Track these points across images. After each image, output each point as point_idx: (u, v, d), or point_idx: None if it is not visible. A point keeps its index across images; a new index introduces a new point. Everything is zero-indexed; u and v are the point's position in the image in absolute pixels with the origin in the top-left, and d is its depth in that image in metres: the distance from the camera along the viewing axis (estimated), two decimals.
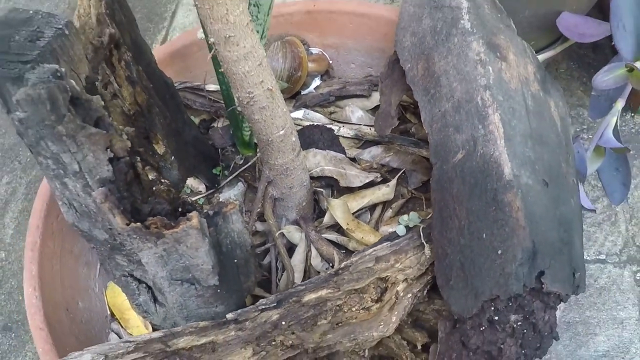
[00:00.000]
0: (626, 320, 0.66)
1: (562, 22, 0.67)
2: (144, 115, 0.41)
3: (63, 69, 0.25)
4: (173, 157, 0.45)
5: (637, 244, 0.71)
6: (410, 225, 0.43)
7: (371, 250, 0.39)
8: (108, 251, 0.36)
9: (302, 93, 0.56)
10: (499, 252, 0.34)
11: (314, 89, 0.56)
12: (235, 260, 0.35)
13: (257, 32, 0.41)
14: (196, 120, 0.57)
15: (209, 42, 0.34)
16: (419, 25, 0.46)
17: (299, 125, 0.54)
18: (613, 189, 0.61)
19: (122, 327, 0.49)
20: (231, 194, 0.52)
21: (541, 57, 0.75)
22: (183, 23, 1.03)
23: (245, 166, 0.53)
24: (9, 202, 0.91)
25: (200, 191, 0.53)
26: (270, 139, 0.39)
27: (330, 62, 0.56)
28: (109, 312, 0.51)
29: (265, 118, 0.37)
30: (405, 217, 0.43)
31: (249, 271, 0.36)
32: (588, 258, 0.72)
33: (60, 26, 0.27)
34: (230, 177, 0.53)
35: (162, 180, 0.32)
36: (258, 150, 0.47)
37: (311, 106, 0.55)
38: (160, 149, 0.43)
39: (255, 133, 0.39)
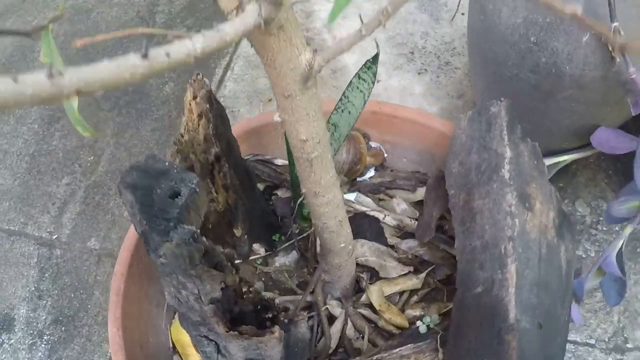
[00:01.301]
0: None
1: (596, 137, 0.79)
2: (231, 211, 0.55)
3: (198, 231, 0.39)
4: (246, 236, 0.59)
5: (625, 335, 0.85)
6: (431, 326, 0.58)
7: (397, 350, 0.54)
8: (194, 324, 0.50)
9: (357, 180, 0.70)
10: None
11: (369, 177, 0.69)
12: (296, 349, 0.49)
13: (333, 147, 0.55)
14: (261, 186, 0.71)
15: (291, 158, 0.48)
16: (467, 157, 0.59)
17: (351, 207, 0.68)
18: (609, 295, 0.74)
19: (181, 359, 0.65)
20: (285, 260, 0.67)
21: (572, 156, 0.87)
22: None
23: (301, 237, 0.67)
24: (67, 202, 1.06)
25: (260, 253, 0.67)
26: (332, 249, 0.53)
27: (386, 155, 0.70)
28: (171, 346, 0.66)
29: (332, 237, 0.51)
30: (428, 318, 0.58)
31: (304, 355, 0.51)
32: (579, 340, 0.86)
33: (194, 186, 0.40)
34: (286, 244, 0.67)
35: (250, 289, 0.46)
36: (313, 227, 0.60)
37: (364, 192, 0.69)
38: (238, 232, 0.57)
39: (321, 243, 0.53)
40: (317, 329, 0.63)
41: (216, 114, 0.49)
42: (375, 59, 0.51)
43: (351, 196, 0.69)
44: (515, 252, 0.51)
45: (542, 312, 0.50)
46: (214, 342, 0.55)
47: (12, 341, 0.96)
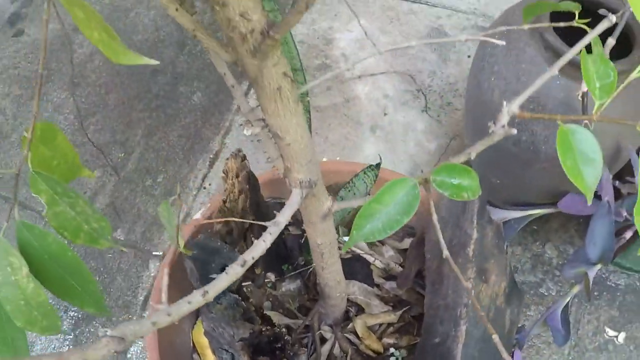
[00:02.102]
0: None
1: (564, 202, 0.98)
2: (257, 261, 0.74)
3: (240, 298, 0.57)
4: (263, 271, 0.79)
5: None
6: (400, 357, 0.77)
7: None
8: (221, 344, 0.70)
9: None
10: None
11: None
12: None
13: (339, 215, 0.73)
14: None
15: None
16: (444, 230, 0.77)
17: (349, 249, 0.87)
18: (557, 338, 0.94)
19: (200, 358, 0.85)
20: (290, 286, 0.86)
21: (545, 210, 1.06)
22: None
23: (305, 268, 0.87)
24: (97, 193, 1.25)
25: (270, 279, 0.87)
26: (330, 296, 0.73)
27: None
28: (192, 346, 0.86)
29: (331, 290, 0.70)
30: (398, 352, 0.78)
31: None
32: None
33: (242, 264, 0.59)
34: (293, 273, 0.86)
35: (268, 328, 0.66)
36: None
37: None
38: (258, 271, 0.76)
39: (321, 291, 0.73)
40: (311, 347, 0.83)
41: (252, 188, 0.68)
42: (378, 166, 0.69)
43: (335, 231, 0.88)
44: (467, 316, 0.70)
45: None
46: (231, 354, 0.75)
47: None
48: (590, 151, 0.34)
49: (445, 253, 0.39)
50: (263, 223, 0.39)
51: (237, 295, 0.55)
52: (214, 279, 0.56)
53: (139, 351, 1.07)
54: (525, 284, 1.15)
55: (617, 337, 1.14)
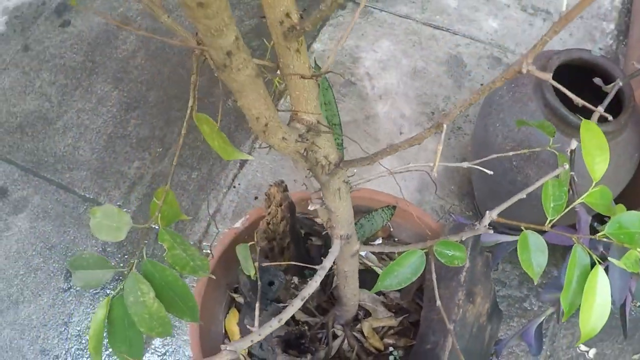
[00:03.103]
0: None
1: (548, 236, 1.19)
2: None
3: (282, 306, 0.79)
4: (292, 278, 1.00)
5: None
6: (397, 358, 1.00)
7: None
8: None
9: (370, 243, 1.10)
10: None
11: (377, 244, 1.10)
12: None
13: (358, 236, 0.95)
14: (302, 231, 1.11)
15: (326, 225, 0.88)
16: None
17: (362, 260, 1.08)
18: (531, 349, 1.17)
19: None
20: (310, 290, 1.08)
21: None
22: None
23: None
24: (136, 184, 1.46)
25: (295, 282, 1.08)
26: (346, 304, 0.94)
27: (392, 230, 1.10)
28: (224, 332, 1.08)
29: (348, 300, 0.92)
30: (396, 352, 1.00)
31: None
32: None
33: (282, 280, 0.80)
34: (294, 303, 1.08)
35: (296, 327, 0.88)
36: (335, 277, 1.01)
37: (372, 252, 1.10)
38: (288, 277, 0.98)
39: (338, 298, 0.94)
40: (325, 340, 1.05)
41: (291, 214, 0.89)
42: (394, 208, 0.91)
43: (362, 253, 1.10)
44: (455, 330, 0.92)
45: None
46: (259, 342, 0.97)
47: (78, 288, 1.39)
48: (539, 249, 0.55)
49: (438, 303, 0.61)
50: (311, 266, 0.60)
51: (279, 304, 0.76)
52: (264, 290, 0.78)
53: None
54: (511, 297, 1.37)
55: (588, 352, 1.37)
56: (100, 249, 1.40)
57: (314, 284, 0.59)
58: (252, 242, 0.79)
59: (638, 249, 0.53)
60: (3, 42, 1.68)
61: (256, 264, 0.68)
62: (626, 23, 1.78)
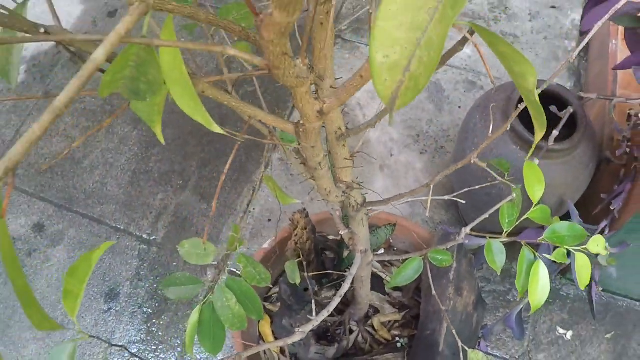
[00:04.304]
0: None
1: (523, 235, 1.53)
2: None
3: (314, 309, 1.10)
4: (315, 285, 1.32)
5: (530, 355, 1.62)
6: (403, 344, 1.32)
7: (385, 355, 1.28)
8: (289, 331, 1.23)
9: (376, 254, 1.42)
10: None
11: (381, 253, 1.42)
12: (339, 351, 1.23)
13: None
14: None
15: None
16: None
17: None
18: (514, 334, 1.50)
19: (264, 342, 1.38)
20: (328, 294, 1.40)
21: (508, 239, 1.60)
22: None
23: (337, 282, 1.40)
24: (162, 213, 1.77)
25: (315, 289, 1.40)
26: (360, 304, 1.26)
27: (392, 241, 1.42)
28: (258, 335, 1.39)
29: (361, 301, 1.24)
30: (401, 340, 1.32)
31: (340, 353, 1.25)
32: (499, 355, 1.62)
33: (315, 287, 1.12)
34: (329, 285, 1.40)
35: (324, 323, 1.19)
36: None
37: (376, 260, 1.42)
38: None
39: (353, 301, 1.27)
40: (342, 335, 1.37)
41: (314, 235, 1.21)
42: (394, 225, 1.23)
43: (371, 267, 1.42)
44: (448, 318, 1.25)
45: (455, 346, 1.25)
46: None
47: (117, 308, 1.69)
48: (500, 251, 0.87)
49: (434, 292, 0.93)
50: (339, 272, 0.92)
51: (312, 306, 1.08)
52: (300, 295, 1.10)
53: None
54: (496, 292, 1.70)
55: (566, 334, 1.71)
56: (134, 272, 1.71)
57: (346, 286, 0.90)
58: (289, 259, 1.11)
59: (565, 247, 0.86)
60: (25, 90, 1.98)
61: (304, 274, 1.00)
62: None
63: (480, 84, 1.89)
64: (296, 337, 0.84)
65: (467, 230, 0.88)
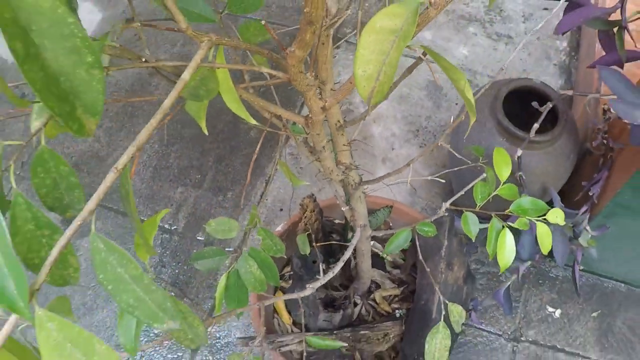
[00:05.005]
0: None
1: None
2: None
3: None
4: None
5: (521, 332, 1.86)
6: (402, 314, 1.56)
7: (385, 323, 1.53)
8: (301, 301, 1.48)
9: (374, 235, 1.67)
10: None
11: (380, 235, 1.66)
12: (344, 319, 1.48)
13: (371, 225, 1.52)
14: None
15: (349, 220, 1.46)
16: (428, 240, 1.55)
17: (372, 249, 1.65)
18: (504, 309, 1.74)
19: (279, 316, 1.63)
20: (347, 255, 1.65)
21: None
22: None
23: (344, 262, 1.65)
24: (181, 205, 2.02)
25: (323, 267, 1.65)
26: (362, 279, 1.51)
27: (391, 224, 1.67)
28: (273, 309, 1.64)
29: (363, 276, 1.49)
30: (400, 311, 1.57)
31: (345, 321, 1.50)
32: (492, 331, 1.87)
33: (322, 261, 1.37)
34: (335, 263, 1.65)
35: (331, 293, 1.44)
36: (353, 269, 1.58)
37: (377, 241, 1.67)
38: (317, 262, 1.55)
39: (357, 276, 1.51)
40: (348, 303, 1.62)
41: (321, 217, 1.45)
42: (391, 207, 1.48)
43: (372, 243, 1.66)
44: (439, 289, 1.49)
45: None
46: (303, 310, 1.54)
47: None
48: (473, 222, 1.12)
49: (427, 269, 1.18)
50: (344, 243, 1.17)
51: (324, 278, 1.33)
52: (311, 267, 1.35)
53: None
54: (489, 273, 1.94)
55: (554, 312, 1.95)
56: (158, 260, 1.96)
57: (348, 253, 1.15)
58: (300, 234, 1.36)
59: (526, 217, 1.11)
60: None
61: (314, 244, 1.25)
62: (577, 40, 2.37)
63: (475, 82, 2.13)
64: (307, 292, 1.09)
65: (446, 204, 1.13)
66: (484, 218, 1.38)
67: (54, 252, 0.56)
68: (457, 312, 1.12)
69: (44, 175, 0.62)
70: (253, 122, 0.71)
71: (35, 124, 0.64)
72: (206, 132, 0.79)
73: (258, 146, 1.10)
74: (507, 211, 1.14)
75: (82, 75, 0.48)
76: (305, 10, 0.50)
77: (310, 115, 0.77)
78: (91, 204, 0.57)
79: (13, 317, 0.55)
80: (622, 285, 1.98)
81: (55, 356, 0.53)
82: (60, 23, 0.46)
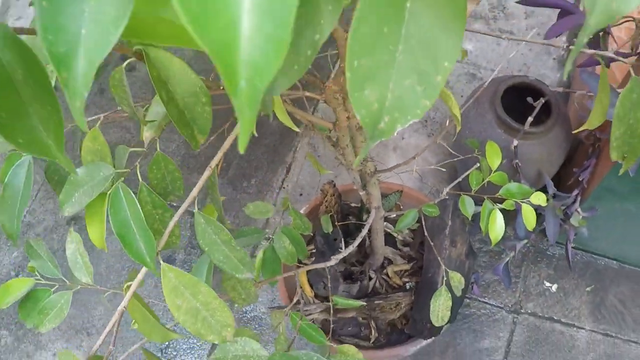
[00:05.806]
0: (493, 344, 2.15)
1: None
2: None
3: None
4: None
5: (521, 304, 2.18)
6: (412, 286, 1.88)
7: (396, 294, 1.84)
8: (322, 275, 1.79)
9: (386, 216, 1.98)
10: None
11: (392, 216, 1.97)
12: (361, 290, 1.79)
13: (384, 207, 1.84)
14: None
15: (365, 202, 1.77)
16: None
17: (385, 229, 1.96)
18: (504, 282, 2.04)
19: (302, 290, 1.94)
20: (365, 230, 1.96)
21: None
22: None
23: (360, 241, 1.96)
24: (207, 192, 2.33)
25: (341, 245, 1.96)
26: (376, 253, 1.82)
27: (402, 207, 1.98)
28: (298, 283, 1.96)
29: (378, 251, 1.80)
30: (409, 283, 1.88)
31: (362, 292, 1.81)
32: (493, 303, 2.19)
33: (341, 237, 1.68)
34: (353, 242, 1.96)
35: (350, 267, 1.75)
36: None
37: (389, 221, 1.98)
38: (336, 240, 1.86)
39: (371, 252, 1.83)
40: (365, 276, 1.94)
41: (340, 201, 1.76)
42: (401, 192, 1.78)
43: (385, 224, 1.97)
44: (444, 265, 1.80)
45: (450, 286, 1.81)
46: (324, 283, 1.86)
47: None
48: (470, 204, 1.42)
49: (433, 246, 1.48)
50: (361, 222, 1.48)
51: (343, 254, 1.64)
52: (332, 244, 1.67)
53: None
54: (492, 251, 2.25)
55: (551, 287, 2.26)
56: (187, 242, 2.28)
57: (365, 230, 1.46)
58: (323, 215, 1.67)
59: (513, 200, 1.41)
60: None
61: (336, 223, 1.56)
62: (575, 36, 2.66)
63: (479, 75, 2.43)
64: (332, 262, 1.40)
65: (447, 189, 1.44)
66: (481, 201, 1.68)
67: (171, 224, 0.87)
68: (456, 278, 1.43)
69: (156, 171, 0.93)
70: (296, 129, 1.01)
71: (146, 135, 0.95)
72: (254, 134, 1.09)
73: (301, 143, 1.40)
74: (497, 194, 1.44)
75: (198, 109, 0.79)
76: (341, 65, 0.80)
77: (337, 122, 1.08)
78: (195, 191, 0.88)
79: (143, 269, 0.87)
80: (614, 262, 2.28)
81: (173, 295, 0.85)
82: (186, 77, 0.77)
